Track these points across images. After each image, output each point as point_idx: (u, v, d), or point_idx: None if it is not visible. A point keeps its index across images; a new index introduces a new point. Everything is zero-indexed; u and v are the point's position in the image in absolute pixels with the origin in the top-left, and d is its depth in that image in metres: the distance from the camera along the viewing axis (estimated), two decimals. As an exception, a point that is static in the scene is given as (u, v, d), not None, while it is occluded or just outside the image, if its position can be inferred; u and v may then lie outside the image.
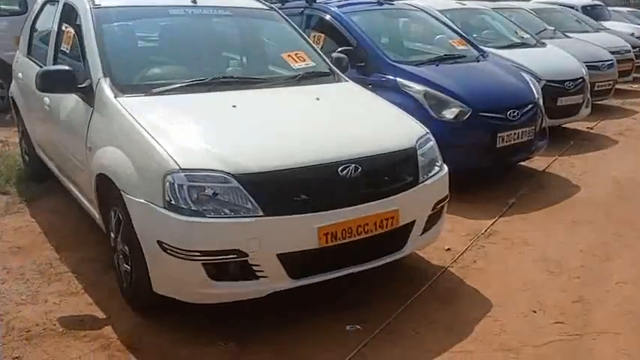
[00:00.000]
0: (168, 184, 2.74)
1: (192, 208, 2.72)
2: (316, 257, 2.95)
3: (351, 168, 2.99)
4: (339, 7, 6.14)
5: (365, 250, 3.12)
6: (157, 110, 3.22)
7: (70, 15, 4.10)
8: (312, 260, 2.95)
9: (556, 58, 7.60)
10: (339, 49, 5.48)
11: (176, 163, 2.76)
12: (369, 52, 5.57)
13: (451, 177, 4.98)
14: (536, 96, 5.63)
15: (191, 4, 4.11)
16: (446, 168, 3.60)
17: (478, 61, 5.94)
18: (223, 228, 2.73)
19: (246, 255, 2.76)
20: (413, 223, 3.30)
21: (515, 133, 5.26)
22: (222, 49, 4.10)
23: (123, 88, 3.37)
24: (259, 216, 2.76)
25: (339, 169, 2.96)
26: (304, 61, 4.14)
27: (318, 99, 3.65)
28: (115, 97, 3.29)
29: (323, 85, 3.97)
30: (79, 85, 3.50)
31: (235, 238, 2.73)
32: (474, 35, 7.80)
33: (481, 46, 7.13)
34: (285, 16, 4.63)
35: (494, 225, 4.54)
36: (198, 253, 2.71)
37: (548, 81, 6.93)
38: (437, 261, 3.91)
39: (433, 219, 3.47)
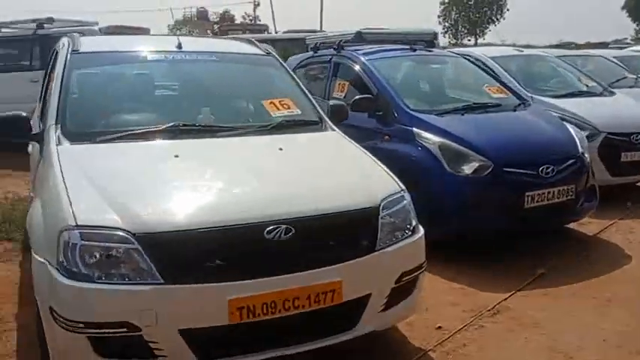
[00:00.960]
0: (62, 241, 2.44)
1: (83, 271, 2.39)
2: (231, 336, 2.52)
3: (280, 230, 2.56)
4: (365, 53, 5.79)
5: (298, 329, 2.64)
6: (89, 160, 2.98)
7: (55, 61, 4.04)
8: (225, 339, 2.52)
9: (623, 108, 6.75)
10: (356, 97, 5.16)
11: (74, 218, 2.47)
12: (387, 100, 5.14)
13: (472, 241, 4.46)
14: (580, 150, 4.91)
15: (175, 49, 3.93)
16: (421, 231, 3.07)
17: (515, 110, 5.31)
18: (111, 296, 2.37)
19: (139, 329, 2.37)
20: (367, 297, 2.78)
21: (549, 192, 4.56)
22: (196, 96, 3.84)
23: (71, 135, 3.17)
24: (157, 284, 2.39)
25: (266, 230, 2.54)
26: (288, 108, 3.80)
27: (281, 149, 3.27)
28: (58, 144, 3.09)
29: (300, 135, 3.60)
30: (33, 133, 3.36)
31: (124, 309, 2.37)
32: (539, 85, 7.21)
33: (535, 95, 6.55)
34: (283, 63, 4.34)
35: (508, 300, 3.85)
36: (82, 325, 2.36)
37: (609, 133, 6.13)
38: (419, 341, 3.32)
39: (400, 293, 2.93)
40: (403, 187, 3.14)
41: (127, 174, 2.86)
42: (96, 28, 9.01)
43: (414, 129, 4.81)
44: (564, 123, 5.34)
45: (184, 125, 3.37)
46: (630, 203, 5.99)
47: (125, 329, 2.37)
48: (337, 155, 3.41)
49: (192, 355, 2.46)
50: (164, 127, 3.30)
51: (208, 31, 19.49)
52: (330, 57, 6.17)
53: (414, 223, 3.05)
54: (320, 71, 6.31)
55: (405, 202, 3.06)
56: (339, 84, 5.88)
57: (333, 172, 3.14)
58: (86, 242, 2.41)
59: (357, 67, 5.66)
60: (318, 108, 3.97)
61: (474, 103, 5.28)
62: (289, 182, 2.91)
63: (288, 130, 3.59)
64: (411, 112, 4.95)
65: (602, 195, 5.66)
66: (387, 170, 3.28)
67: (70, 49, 3.77)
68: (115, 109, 3.55)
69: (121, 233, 2.42)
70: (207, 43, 4.36)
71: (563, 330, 3.45)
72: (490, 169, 4.44)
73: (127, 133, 3.23)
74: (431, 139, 4.67)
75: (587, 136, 6.05)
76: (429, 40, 6.48)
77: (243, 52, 4.34)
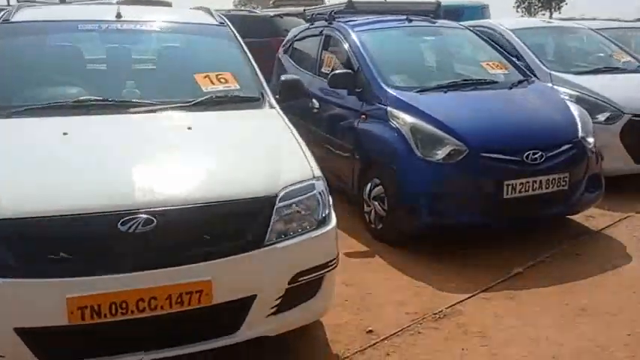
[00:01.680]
0: None
1: None
2: (78, 337, 2.25)
3: (138, 221, 2.26)
4: (354, 25, 5.34)
5: (161, 332, 2.35)
6: None
7: None
8: (71, 341, 2.26)
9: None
10: (335, 72, 4.78)
11: None
12: (366, 76, 4.70)
13: (448, 234, 4.00)
14: (580, 134, 4.30)
15: (113, 19, 3.67)
16: (332, 224, 2.69)
17: (510, 88, 4.74)
18: None
19: (-33, 326, 2.15)
20: (251, 298, 2.44)
21: (534, 182, 4.01)
22: (124, 68, 3.57)
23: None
24: (-14, 277, 2.15)
25: (120, 221, 2.24)
26: (225, 83, 3.47)
27: (190, 128, 2.96)
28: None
29: (224, 112, 3.27)
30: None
31: None
32: (562, 60, 6.54)
33: (555, 72, 5.94)
34: (236, 34, 3.99)
35: (464, 302, 3.41)
36: None
37: (635, 115, 5.41)
38: (341, 346, 2.96)
39: (298, 294, 2.58)
40: (318, 175, 2.76)
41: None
42: (114, 1, 8.90)
43: (389, 108, 4.37)
44: (569, 104, 4.71)
45: (95, 100, 3.11)
46: None
47: (-48, 326, 2.15)
48: (254, 137, 3.05)
49: (34, 356, 2.22)
50: (72, 101, 3.07)
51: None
52: (321, 29, 5.76)
53: (324, 213, 2.68)
54: (312, 44, 5.90)
55: (314, 191, 2.68)
56: (328, 58, 5.48)
57: (236, 156, 2.79)
58: None
59: (343, 40, 5.22)
60: (264, 84, 3.62)
61: (464, 80, 4.75)
62: (172, 167, 2.59)
63: (214, 107, 3.27)
64: (388, 88, 4.50)
65: (623, 185, 5.11)
66: (307, 155, 2.90)
67: (2, 19, 3.58)
68: (28, 82, 3.33)
69: None
70: (152, 13, 4.06)
71: (511, 342, 2.99)
72: (464, 154, 3.95)
73: (29, 107, 3.01)
74: (403, 119, 4.21)
75: (609, 118, 5.43)
76: (433, 11, 5.93)
77: (191, 21, 4.04)
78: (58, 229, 2.22)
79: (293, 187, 2.62)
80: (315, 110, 5.37)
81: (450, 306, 3.36)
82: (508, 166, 3.96)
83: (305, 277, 2.57)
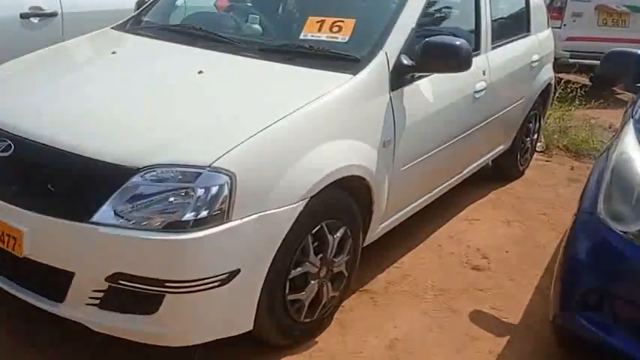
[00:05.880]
0: None
1: None
2: None
3: (3, 144, 2.19)
4: None
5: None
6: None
7: None
8: None
9: None
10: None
11: None
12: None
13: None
14: None
15: None
16: (192, 235, 1.94)
17: None
18: None
19: None
20: (69, 275, 2.07)
21: None
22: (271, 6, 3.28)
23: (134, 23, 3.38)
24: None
25: None
26: (337, 32, 2.78)
27: (200, 72, 2.57)
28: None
29: (277, 65, 2.66)
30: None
31: None
32: None
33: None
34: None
35: None
36: None
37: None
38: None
39: (127, 300, 2.05)
40: (219, 166, 2.01)
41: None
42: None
43: (630, 122, 2.55)
44: None
45: (193, 28, 3.07)
46: None
47: None
48: (240, 102, 2.39)
49: None
50: (171, 26, 3.23)
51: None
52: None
53: (189, 216, 1.96)
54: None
55: (192, 183, 1.99)
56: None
57: (171, 116, 2.29)
58: None
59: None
60: (389, 42, 2.73)
61: None
62: (97, 106, 2.38)
63: (289, 59, 2.68)
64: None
65: None
66: (252, 139, 2.12)
67: None
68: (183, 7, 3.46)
69: None
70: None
71: None
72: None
73: (151, 26, 3.24)
74: (620, 143, 2.40)
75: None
76: None
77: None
78: None
79: (168, 169, 2.00)
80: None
81: None
82: None
83: (128, 283, 1.99)
